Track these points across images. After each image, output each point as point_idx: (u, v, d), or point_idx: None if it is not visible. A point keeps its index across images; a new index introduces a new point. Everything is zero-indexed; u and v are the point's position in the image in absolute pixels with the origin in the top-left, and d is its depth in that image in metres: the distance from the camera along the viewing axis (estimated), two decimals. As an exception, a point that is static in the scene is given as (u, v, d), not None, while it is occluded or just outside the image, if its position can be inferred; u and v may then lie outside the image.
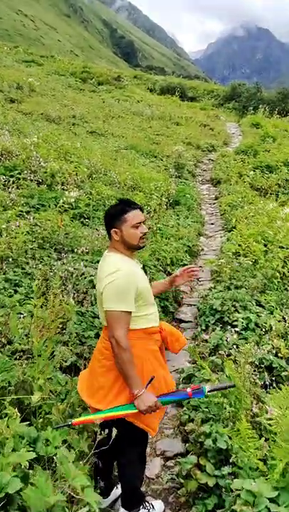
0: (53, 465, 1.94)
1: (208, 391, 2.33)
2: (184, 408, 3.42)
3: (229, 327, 4.74)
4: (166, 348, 2.51)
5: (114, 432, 2.03)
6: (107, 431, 2.04)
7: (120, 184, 9.35)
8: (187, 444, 2.91)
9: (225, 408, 2.68)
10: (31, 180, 7.97)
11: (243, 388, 2.60)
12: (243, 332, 4.59)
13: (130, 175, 9.86)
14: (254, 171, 13.49)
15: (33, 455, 1.91)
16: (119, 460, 2.39)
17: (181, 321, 5.62)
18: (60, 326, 3.63)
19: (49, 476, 1.84)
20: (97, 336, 3.99)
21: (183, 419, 3.21)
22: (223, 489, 2.25)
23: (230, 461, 2.31)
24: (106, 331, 2.30)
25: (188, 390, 2.30)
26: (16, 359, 2.92)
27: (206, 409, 2.92)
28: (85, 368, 3.56)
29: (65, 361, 3.29)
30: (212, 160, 16.58)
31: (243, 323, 4.71)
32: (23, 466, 1.87)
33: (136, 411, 2.16)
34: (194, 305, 5.83)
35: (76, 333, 3.78)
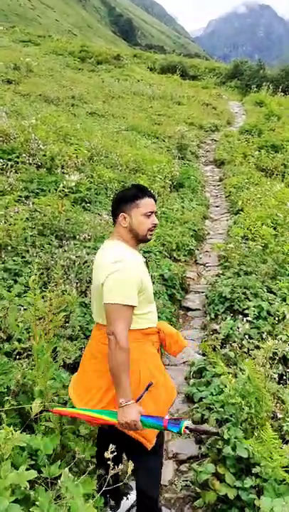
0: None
1: (186, 427, 1.95)
2: (196, 405, 3.21)
3: (240, 316, 4.51)
4: (162, 351, 2.29)
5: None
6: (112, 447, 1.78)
7: (122, 166, 9.04)
8: (202, 448, 2.72)
9: (243, 409, 2.47)
10: (30, 164, 7.65)
11: (264, 389, 2.38)
12: (254, 321, 4.37)
13: (132, 157, 9.54)
14: (259, 151, 13.10)
15: (34, 474, 1.71)
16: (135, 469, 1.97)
17: (189, 309, 5.40)
18: (63, 319, 3.41)
19: (52, 500, 1.63)
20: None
21: (195, 418, 3.00)
22: (246, 503, 2.05)
23: (253, 472, 2.10)
24: (101, 329, 2.07)
25: (166, 417, 2.00)
26: (15, 358, 2.70)
27: (222, 409, 2.71)
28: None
29: (69, 358, 3.08)
30: (215, 140, 16.17)
31: (254, 311, 4.49)
32: (23, 488, 1.66)
33: (116, 421, 1.92)
34: (202, 292, 5.60)
35: (80, 326, 3.56)
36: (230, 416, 2.58)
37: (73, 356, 3.18)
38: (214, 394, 3.13)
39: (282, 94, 25.31)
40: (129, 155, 9.56)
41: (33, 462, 1.93)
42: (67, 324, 3.53)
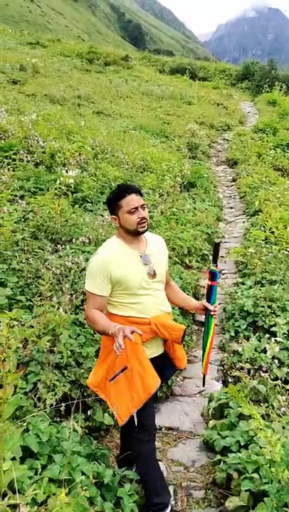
0: None
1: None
2: (218, 457, 2.48)
3: (266, 334, 3.78)
4: (165, 340, 2.39)
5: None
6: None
7: (129, 165, 8.36)
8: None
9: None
10: (28, 161, 7.01)
11: None
12: (284, 341, 3.64)
13: (140, 155, 8.87)
14: (274, 149, 12.38)
15: None
16: None
17: (204, 324, 4.66)
18: (48, 343, 2.72)
19: None
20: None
21: (219, 479, 2.28)
22: None
23: None
24: None
25: (210, 283, 2.41)
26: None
27: (256, 476, 1.98)
28: (82, 400, 2.67)
29: (53, 396, 2.38)
30: (227, 140, 15.45)
31: (283, 329, 3.76)
32: None
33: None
34: (219, 304, 4.86)
35: (71, 351, 2.86)
36: (268, 484, 1.86)
37: (60, 392, 2.47)
38: (242, 444, 2.41)
39: (296, 94, 24.58)
40: (136, 153, 8.89)
41: None
42: (54, 348, 2.83)
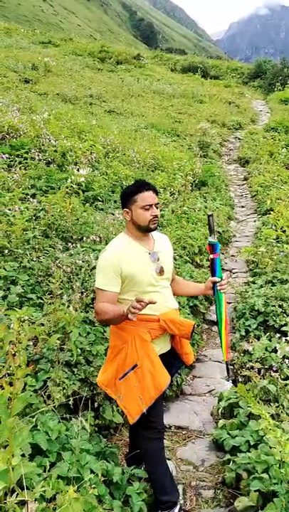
0: None
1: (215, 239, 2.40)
2: (227, 456, 2.47)
3: (277, 334, 3.75)
4: (172, 336, 2.40)
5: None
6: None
7: (140, 164, 8.36)
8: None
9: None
10: (39, 160, 7.04)
11: None
12: (295, 341, 3.60)
13: (151, 153, 8.86)
14: (286, 148, 12.28)
15: None
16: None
17: (214, 323, 4.65)
18: (58, 341, 2.73)
19: None
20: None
21: (228, 479, 2.27)
22: None
23: None
24: None
25: (212, 256, 2.39)
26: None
27: (266, 475, 1.97)
28: (92, 398, 2.68)
29: (64, 394, 2.38)
30: (239, 138, 15.38)
31: (294, 328, 3.72)
32: None
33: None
34: (229, 303, 4.84)
35: (81, 349, 2.86)
36: (277, 483, 1.85)
37: (70, 390, 2.48)
38: (252, 443, 2.40)
39: (309, 92, 24.32)
40: (147, 151, 8.88)
41: None
42: (64, 346, 2.84)
